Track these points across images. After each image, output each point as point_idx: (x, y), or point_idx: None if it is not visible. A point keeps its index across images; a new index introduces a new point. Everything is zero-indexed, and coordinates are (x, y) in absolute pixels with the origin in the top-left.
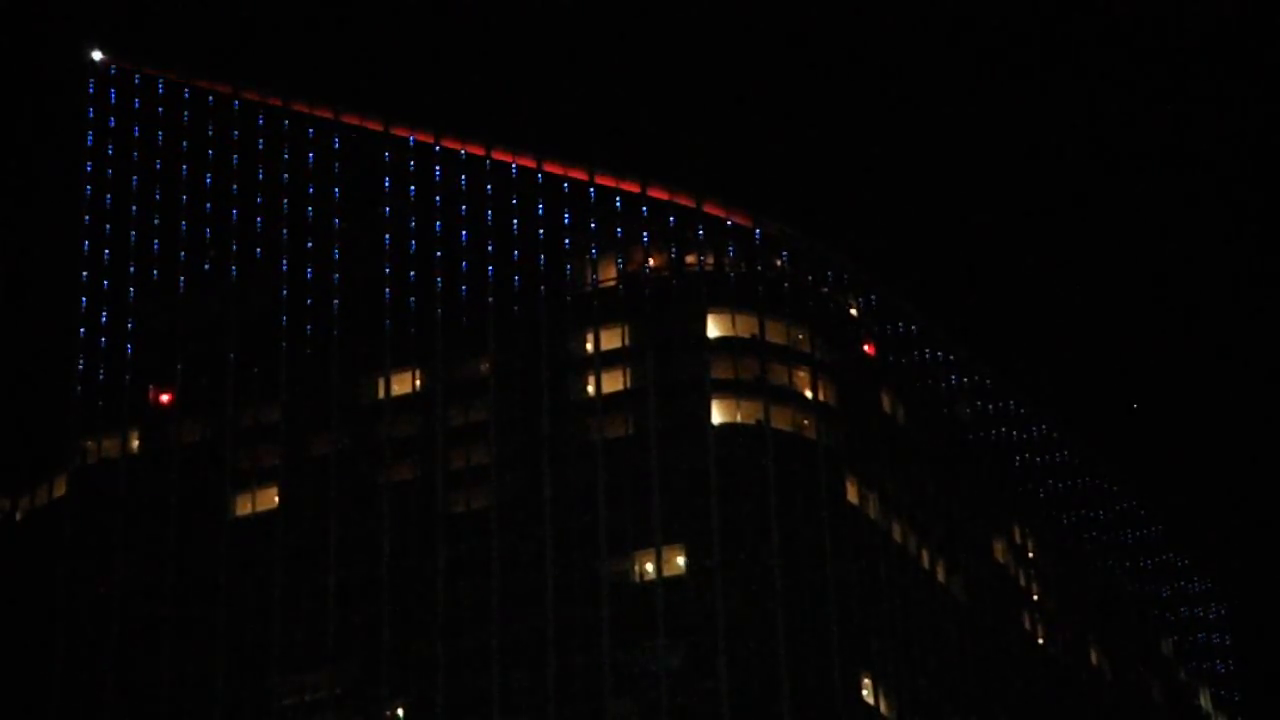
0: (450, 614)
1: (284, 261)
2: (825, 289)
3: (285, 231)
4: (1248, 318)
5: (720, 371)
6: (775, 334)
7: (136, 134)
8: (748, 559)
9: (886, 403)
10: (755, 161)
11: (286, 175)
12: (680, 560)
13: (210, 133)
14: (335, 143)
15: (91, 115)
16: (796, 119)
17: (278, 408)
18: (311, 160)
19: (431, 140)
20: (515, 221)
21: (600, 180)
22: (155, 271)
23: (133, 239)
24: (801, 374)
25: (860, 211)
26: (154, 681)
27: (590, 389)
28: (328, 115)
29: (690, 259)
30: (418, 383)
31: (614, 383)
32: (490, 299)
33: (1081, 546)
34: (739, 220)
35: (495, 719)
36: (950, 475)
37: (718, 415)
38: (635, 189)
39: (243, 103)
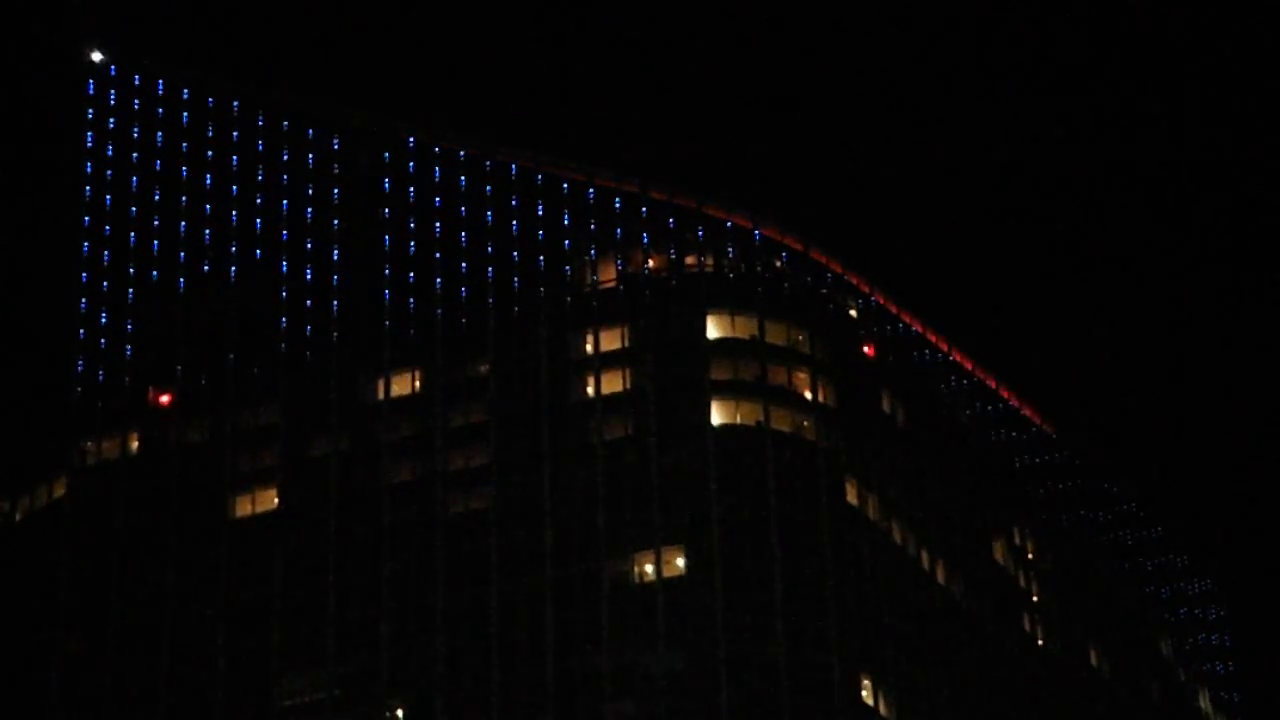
0: (450, 614)
1: (284, 262)
2: (825, 290)
3: (285, 232)
4: (1248, 318)
5: (720, 372)
6: (775, 335)
7: (136, 134)
8: (748, 559)
9: (886, 403)
10: (755, 162)
11: (286, 175)
12: (680, 561)
13: (210, 133)
14: (335, 143)
15: (91, 115)
16: (797, 120)
17: (277, 409)
18: (311, 160)
19: (431, 140)
20: (515, 222)
21: (600, 181)
22: (155, 272)
23: (132, 239)
24: (801, 375)
25: (860, 212)
26: (154, 681)
27: (590, 390)
28: (328, 115)
29: (690, 260)
30: (417, 384)
31: (614, 383)
32: (490, 299)
33: (1081, 546)
34: (739, 221)
35: (495, 719)
36: (950, 476)
37: (718, 416)
38: (635, 189)
39: (243, 103)
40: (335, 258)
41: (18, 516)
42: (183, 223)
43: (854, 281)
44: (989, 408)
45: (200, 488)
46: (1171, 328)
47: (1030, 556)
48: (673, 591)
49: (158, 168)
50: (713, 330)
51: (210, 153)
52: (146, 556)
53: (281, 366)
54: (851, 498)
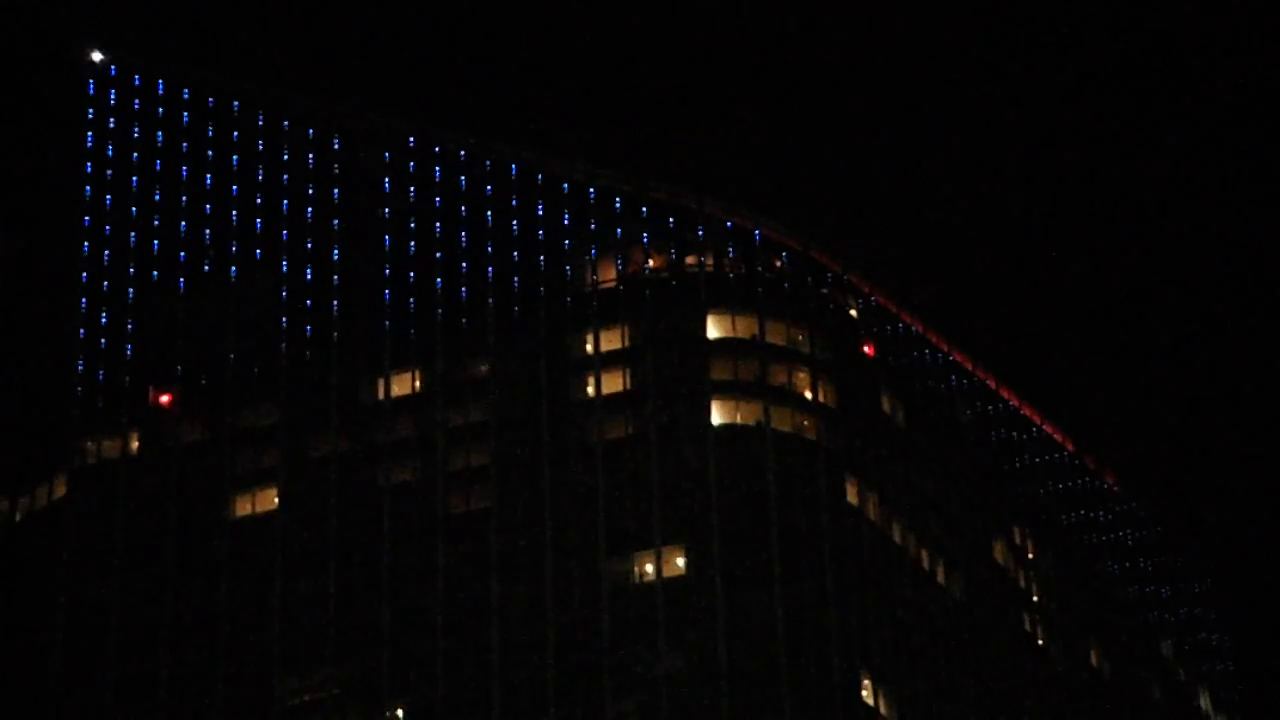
0: (450, 614)
1: (284, 261)
2: (825, 289)
3: (285, 231)
4: (1248, 318)
5: (720, 372)
6: (775, 335)
7: (136, 134)
8: (748, 559)
9: (886, 403)
10: (755, 162)
11: (286, 175)
12: (680, 560)
13: (210, 133)
14: (335, 143)
15: (91, 115)
16: (797, 119)
17: (277, 409)
18: (311, 160)
19: (431, 140)
20: (515, 222)
21: (600, 181)
22: (155, 272)
23: (133, 239)
24: (801, 375)
25: (860, 211)
26: (154, 681)
27: (590, 389)
28: (328, 115)
29: (690, 259)
30: (417, 383)
31: (614, 383)
32: (490, 299)
33: (1081, 546)
34: (739, 220)
35: (495, 719)
36: (950, 475)
37: (718, 416)
38: (635, 189)
39: (243, 103)
40: (335, 258)
41: (18, 516)
42: (183, 223)
43: (854, 281)
44: (989, 408)
45: (200, 488)
46: (1173, 328)
47: (1030, 556)
48: (673, 591)
49: (158, 168)
50: (713, 330)
51: (210, 153)
52: (146, 556)
53: (281, 366)
54: (851, 498)
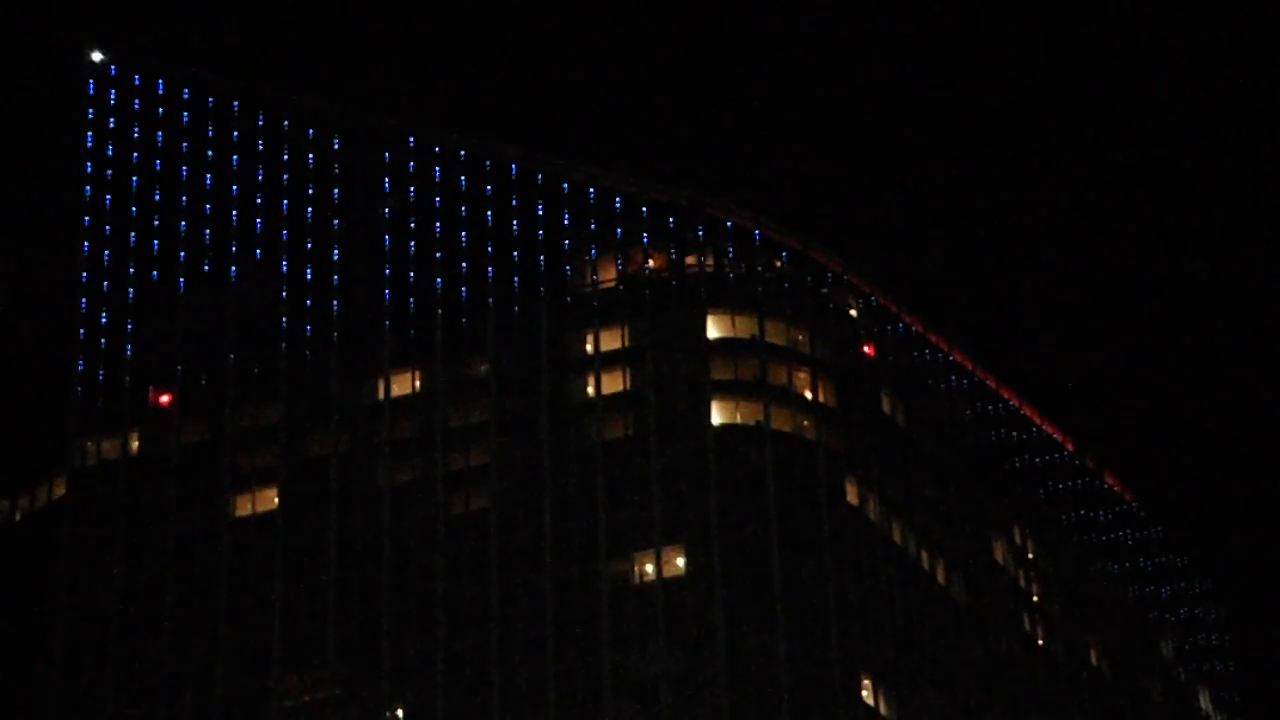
0: (450, 614)
1: (284, 261)
2: (825, 289)
3: (285, 231)
4: (1248, 318)
5: (720, 372)
6: (775, 334)
7: (136, 134)
8: (748, 559)
9: (886, 403)
10: (755, 161)
11: (286, 175)
12: (680, 560)
13: (210, 133)
14: (335, 143)
15: (91, 115)
16: (797, 119)
17: (277, 408)
18: (311, 160)
19: (431, 140)
20: (515, 222)
21: (600, 181)
22: (155, 271)
23: (133, 239)
24: (801, 375)
25: (860, 211)
26: (154, 681)
27: (590, 389)
28: (328, 115)
29: (690, 259)
30: (417, 383)
31: (614, 383)
32: (490, 299)
33: (1081, 546)
34: (739, 220)
35: (495, 719)
36: (950, 475)
37: (718, 415)
38: (635, 189)
39: (243, 103)
40: (335, 258)
41: (18, 516)
42: (183, 223)
43: (854, 281)
44: (989, 408)
45: (200, 488)
46: (1172, 328)
47: (1030, 556)
48: (673, 591)
49: (158, 168)
50: (713, 330)
51: (210, 153)
52: (146, 556)
53: (281, 366)
54: (851, 498)
